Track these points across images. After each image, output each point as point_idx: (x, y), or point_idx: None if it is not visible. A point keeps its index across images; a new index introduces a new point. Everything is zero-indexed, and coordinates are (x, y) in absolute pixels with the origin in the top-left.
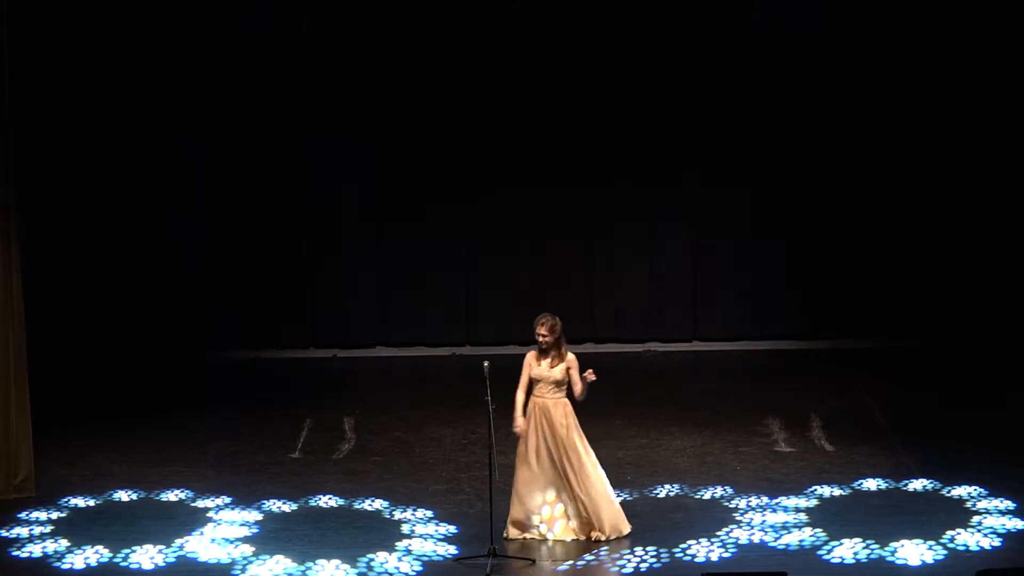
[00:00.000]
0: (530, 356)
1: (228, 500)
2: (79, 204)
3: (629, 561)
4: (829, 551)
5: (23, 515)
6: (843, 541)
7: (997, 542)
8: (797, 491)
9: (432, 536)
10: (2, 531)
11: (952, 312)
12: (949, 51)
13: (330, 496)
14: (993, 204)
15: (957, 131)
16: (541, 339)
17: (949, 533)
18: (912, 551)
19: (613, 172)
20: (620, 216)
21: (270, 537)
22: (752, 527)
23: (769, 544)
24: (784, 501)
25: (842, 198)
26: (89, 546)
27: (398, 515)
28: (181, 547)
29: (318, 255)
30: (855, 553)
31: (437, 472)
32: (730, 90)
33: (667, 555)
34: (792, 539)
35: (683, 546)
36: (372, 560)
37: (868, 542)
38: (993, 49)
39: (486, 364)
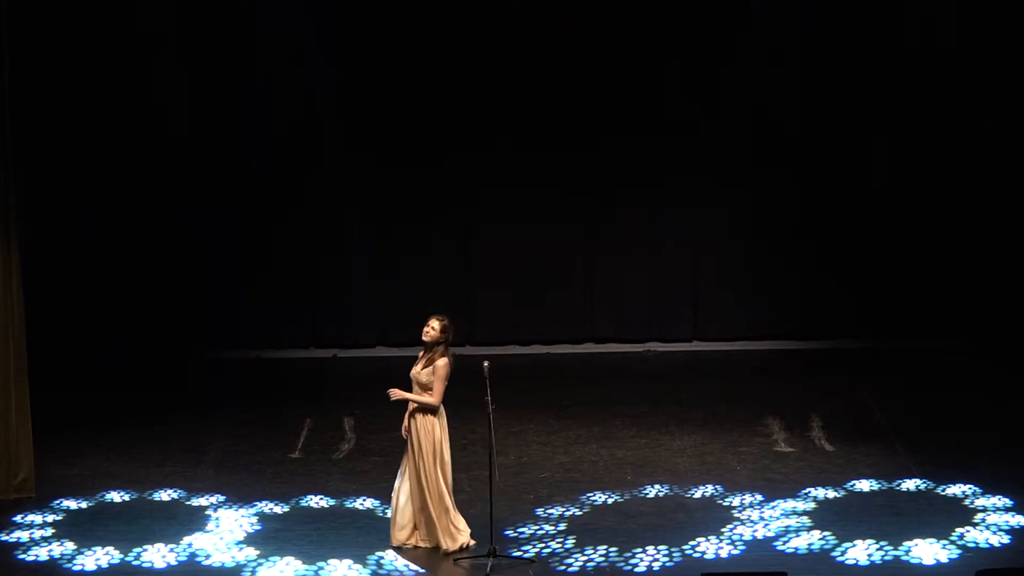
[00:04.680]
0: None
1: (228, 500)
2: (78, 204)
3: (640, 562)
4: (843, 552)
5: (22, 517)
6: (856, 543)
7: (1006, 539)
8: (796, 492)
9: None
10: (2, 533)
11: (952, 312)
12: (949, 51)
13: (322, 496)
14: (993, 204)
15: (957, 131)
16: (425, 332)
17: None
18: (924, 551)
19: (613, 172)
20: (620, 216)
21: (270, 537)
22: (753, 526)
23: (775, 546)
24: (783, 502)
25: (842, 198)
26: (88, 546)
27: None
28: (185, 547)
29: (318, 255)
30: (869, 555)
31: None
32: (730, 90)
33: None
34: (800, 542)
35: (689, 545)
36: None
37: (881, 543)
38: (992, 50)
39: (486, 364)
